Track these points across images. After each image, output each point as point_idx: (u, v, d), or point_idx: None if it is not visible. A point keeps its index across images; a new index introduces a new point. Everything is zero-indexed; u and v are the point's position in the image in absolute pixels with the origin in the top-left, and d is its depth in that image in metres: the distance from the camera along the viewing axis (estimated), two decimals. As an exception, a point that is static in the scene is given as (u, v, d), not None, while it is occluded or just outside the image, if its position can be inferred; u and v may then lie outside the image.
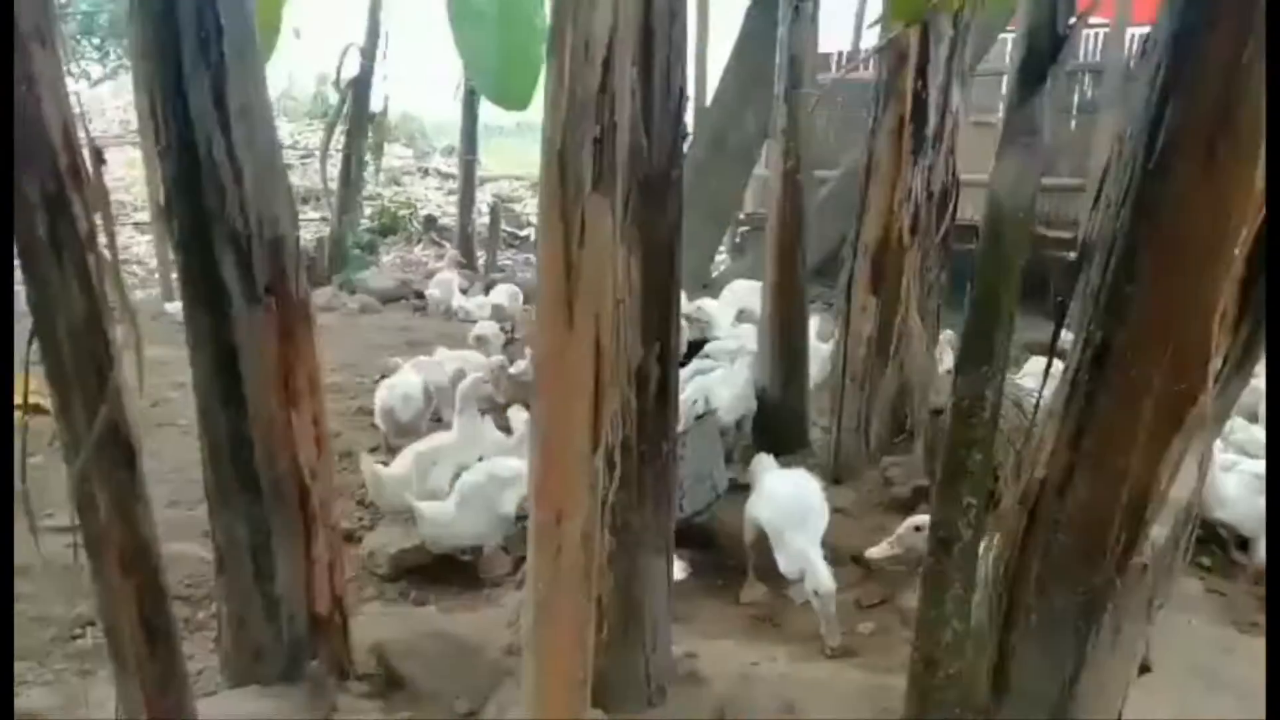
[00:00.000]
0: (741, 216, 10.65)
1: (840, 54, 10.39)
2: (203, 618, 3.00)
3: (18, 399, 1.73)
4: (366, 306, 8.22)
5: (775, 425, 4.34)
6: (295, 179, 12.33)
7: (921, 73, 3.62)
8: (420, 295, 8.65)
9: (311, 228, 10.50)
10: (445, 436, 3.95)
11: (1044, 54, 1.48)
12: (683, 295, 7.09)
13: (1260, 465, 3.55)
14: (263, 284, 2.19)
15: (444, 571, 3.42)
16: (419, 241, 12.04)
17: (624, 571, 2.23)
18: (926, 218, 3.81)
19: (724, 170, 7.62)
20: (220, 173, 2.09)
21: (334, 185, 10.10)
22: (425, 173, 15.81)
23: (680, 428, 3.87)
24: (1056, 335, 1.83)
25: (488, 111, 10.03)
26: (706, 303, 6.38)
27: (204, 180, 2.10)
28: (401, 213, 12.54)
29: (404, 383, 4.63)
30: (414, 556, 3.39)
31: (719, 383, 4.29)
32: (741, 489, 3.53)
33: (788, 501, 3.11)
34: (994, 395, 1.68)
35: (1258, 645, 3.03)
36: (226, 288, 2.17)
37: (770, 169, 4.46)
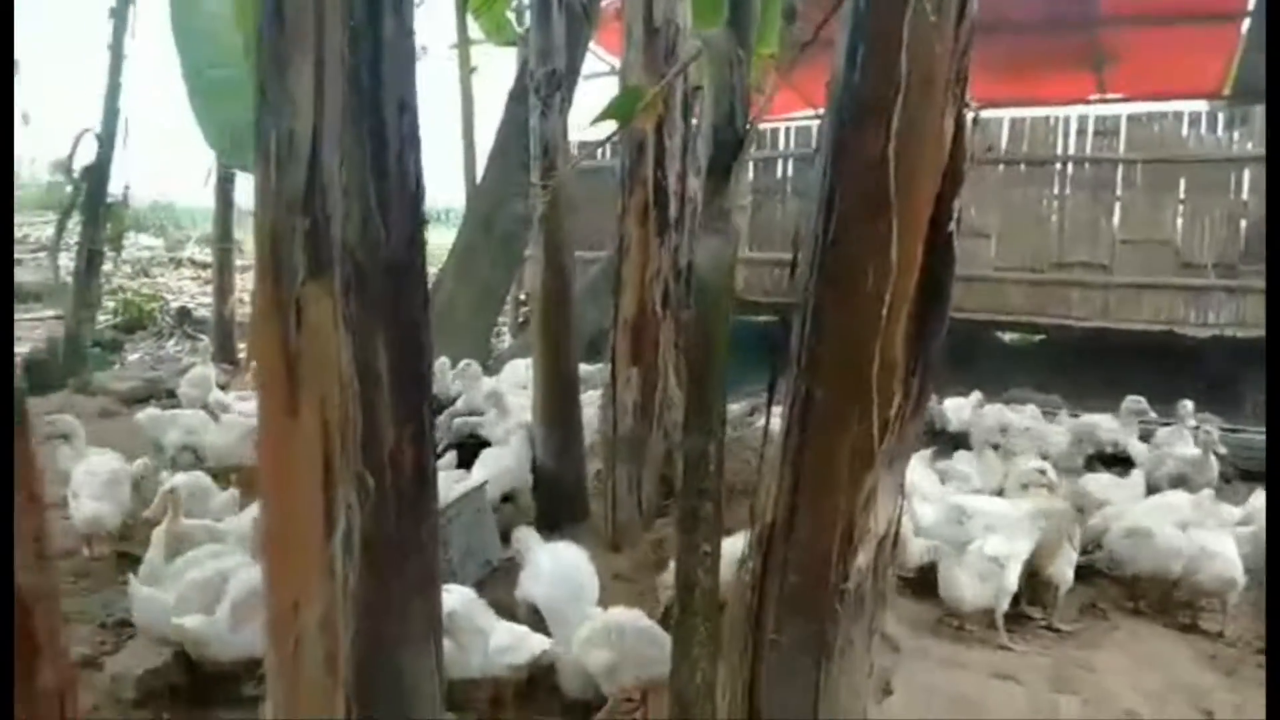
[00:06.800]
0: (523, 297, 10.80)
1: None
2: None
3: None
4: (106, 410, 7.49)
5: (554, 497, 4.41)
6: (27, 275, 11.20)
7: (659, 162, 3.95)
8: (172, 394, 8.01)
9: (45, 326, 9.53)
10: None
11: (727, 152, 1.70)
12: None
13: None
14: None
15: (201, 689, 3.14)
16: (171, 336, 11.19)
17: (389, 660, 2.18)
18: (676, 292, 4.10)
19: (494, 252, 7.78)
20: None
21: (70, 279, 9.25)
22: (178, 263, 14.80)
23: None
24: (771, 394, 2.05)
25: (245, 195, 9.64)
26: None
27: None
28: (149, 306, 11.63)
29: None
30: (164, 677, 3.10)
31: (490, 458, 4.31)
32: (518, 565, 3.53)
33: (559, 577, 3.16)
34: (716, 450, 1.84)
35: (984, 658, 3.44)
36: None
37: (534, 251, 4.64)
